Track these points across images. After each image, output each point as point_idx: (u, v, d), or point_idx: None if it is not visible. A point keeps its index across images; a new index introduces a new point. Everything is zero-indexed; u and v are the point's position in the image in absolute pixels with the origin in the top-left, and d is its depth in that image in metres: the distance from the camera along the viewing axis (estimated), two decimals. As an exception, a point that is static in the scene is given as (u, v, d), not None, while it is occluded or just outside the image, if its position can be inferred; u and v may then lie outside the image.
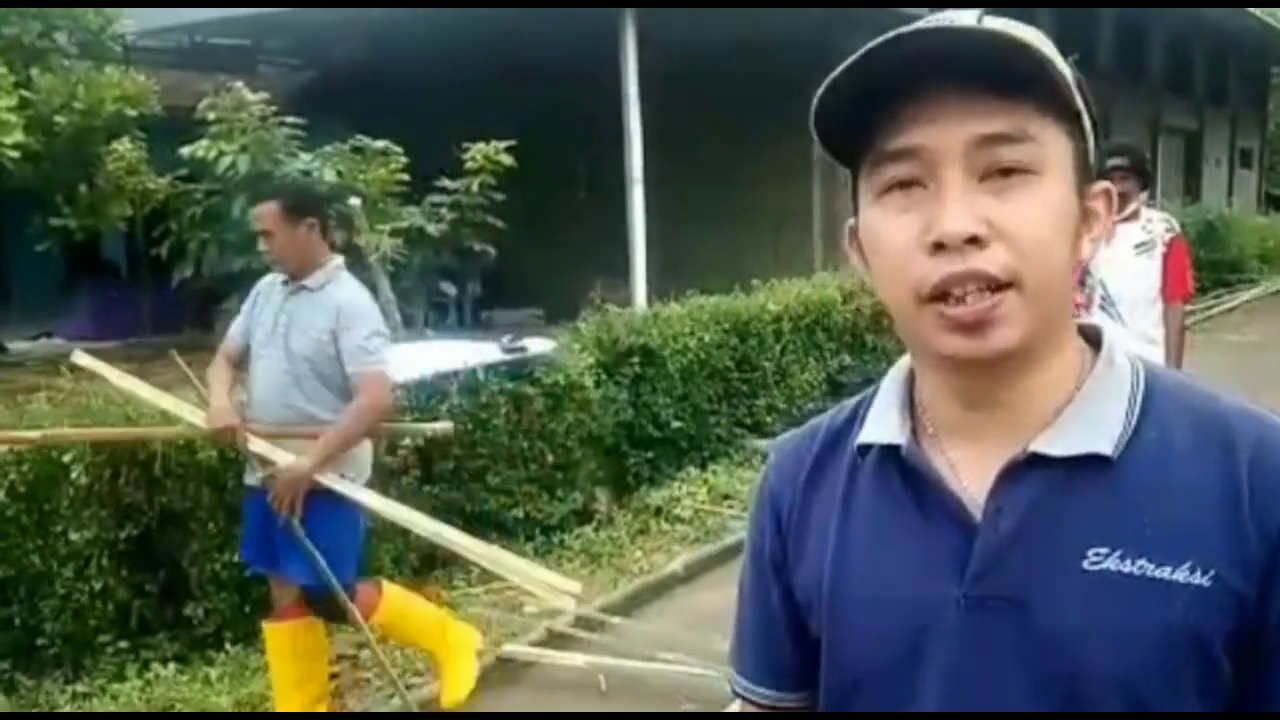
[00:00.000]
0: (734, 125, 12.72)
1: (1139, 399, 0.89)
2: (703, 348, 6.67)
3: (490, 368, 5.27)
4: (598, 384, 5.92)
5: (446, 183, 7.63)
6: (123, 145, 8.32)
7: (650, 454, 6.38)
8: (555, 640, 4.51)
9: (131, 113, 8.76)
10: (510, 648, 4.40)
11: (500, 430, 5.21)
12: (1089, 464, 0.87)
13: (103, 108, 8.61)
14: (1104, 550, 0.85)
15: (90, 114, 8.60)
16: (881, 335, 8.27)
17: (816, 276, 8.61)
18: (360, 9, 10.24)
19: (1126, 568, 0.84)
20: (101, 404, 4.48)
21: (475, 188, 7.45)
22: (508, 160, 7.41)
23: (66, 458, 4.14)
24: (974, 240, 0.82)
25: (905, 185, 0.86)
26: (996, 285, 0.83)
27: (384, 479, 4.79)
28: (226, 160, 7.01)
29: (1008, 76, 0.83)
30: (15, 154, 7.38)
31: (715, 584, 5.21)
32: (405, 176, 7.58)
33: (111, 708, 3.93)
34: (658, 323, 6.59)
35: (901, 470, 0.94)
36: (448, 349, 5.57)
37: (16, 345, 13.04)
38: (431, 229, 7.51)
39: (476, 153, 7.43)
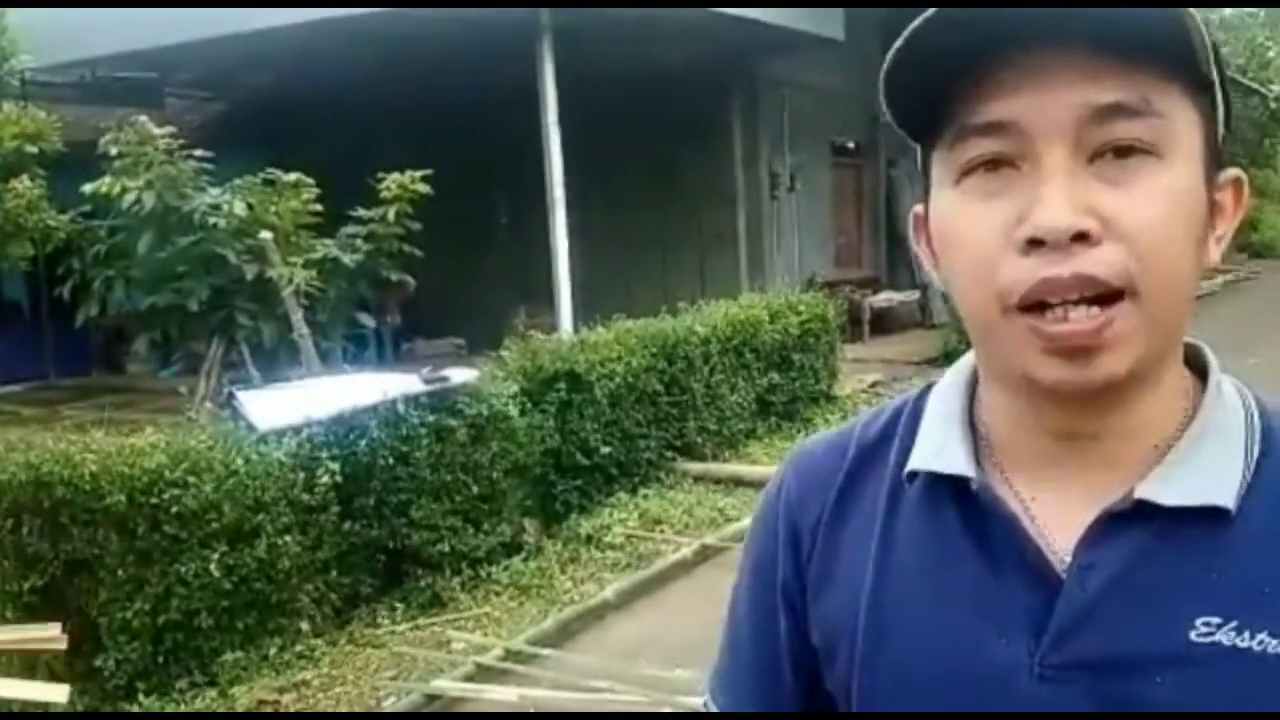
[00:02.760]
0: (657, 152, 12.84)
1: (1256, 439, 0.76)
2: (630, 372, 6.65)
3: (411, 399, 5.17)
4: (523, 412, 5.85)
5: (361, 212, 7.52)
6: (22, 183, 8.04)
7: (579, 481, 6.32)
8: (485, 674, 4.42)
9: (31, 149, 8.47)
10: (439, 683, 4.29)
11: (422, 464, 5.11)
12: (1201, 517, 0.73)
13: (0, 145, 8.32)
14: (1216, 620, 0.72)
15: (-13, 151, 8.30)
16: (808, 354, 8.36)
17: (743, 297, 8.66)
18: (270, 39, 10.07)
19: (1243, 642, 0.71)
20: (2, 449, 4.35)
21: (391, 217, 7.35)
22: (423, 188, 7.32)
23: None
24: (1081, 237, 0.68)
25: (993, 165, 0.71)
26: (1107, 295, 0.68)
27: (301, 516, 4.67)
28: (131, 196, 6.82)
29: (1131, 33, 0.68)
30: (-93, 194, 7.08)
31: (647, 610, 5.18)
32: (318, 208, 7.45)
33: None
34: (584, 348, 6.56)
35: (964, 505, 0.79)
36: (366, 382, 5.46)
37: (-86, 392, 12.55)
38: (347, 260, 7.38)
39: (391, 182, 7.33)
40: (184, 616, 4.32)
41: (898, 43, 0.71)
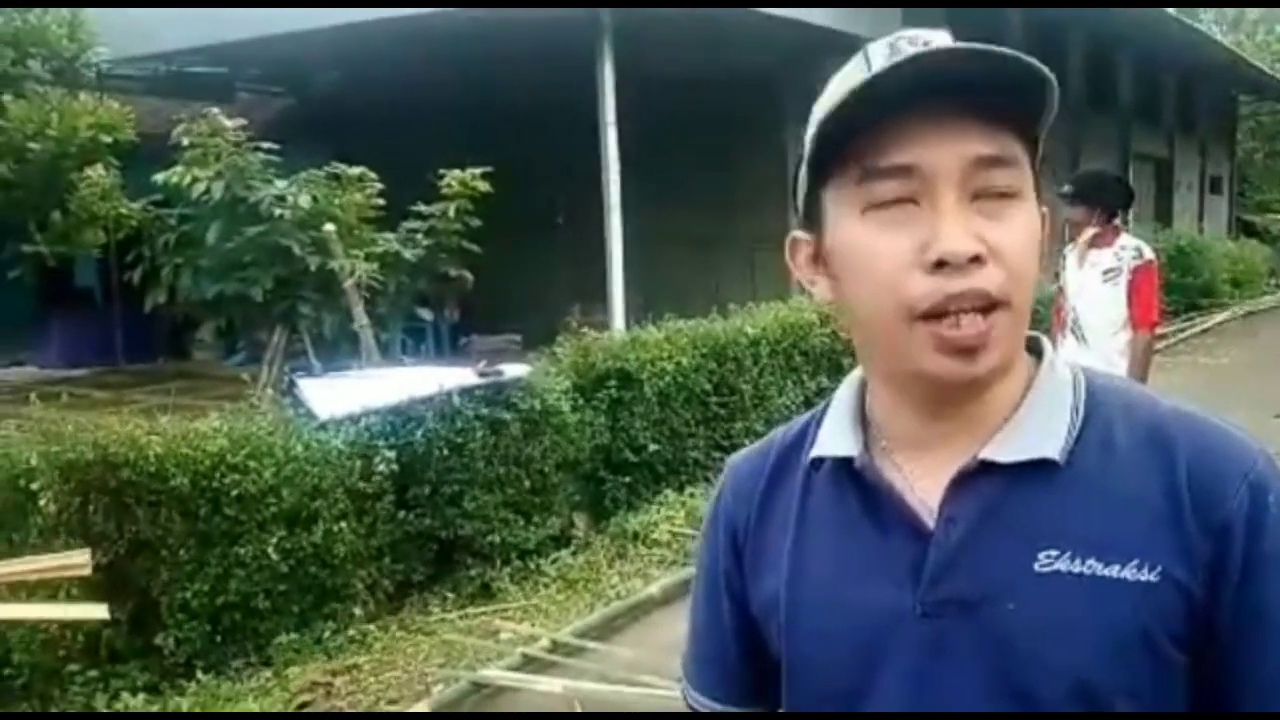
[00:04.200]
0: (710, 153, 12.83)
1: (1081, 404, 0.92)
2: (680, 371, 6.68)
3: (466, 392, 5.25)
4: (575, 408, 5.90)
5: (422, 208, 7.64)
6: (96, 172, 8.28)
7: (627, 478, 6.36)
8: (531, 665, 4.48)
9: (106, 139, 8.72)
10: (486, 672, 4.36)
11: (476, 455, 5.18)
12: (1037, 469, 0.88)
13: (76, 135, 8.58)
14: (1054, 552, 0.86)
15: (64, 141, 8.56)
16: (857, 359, 8.30)
17: (793, 300, 8.65)
18: (338, 37, 10.25)
19: (1077, 568, 0.86)
20: (72, 430, 4.42)
21: (451, 213, 7.45)
22: (484, 186, 7.42)
23: (35, 485, 4.11)
24: (975, 259, 0.83)
25: (897, 203, 0.86)
26: (990, 305, 0.84)
27: (357, 503, 4.77)
28: (201, 186, 6.99)
29: (1015, 99, 0.85)
30: (-12, 182, 7.34)
31: (692, 608, 5.20)
32: (381, 202, 7.58)
33: None
34: (635, 347, 6.59)
35: (855, 483, 0.95)
36: (423, 374, 5.55)
37: (-11, 373, 12.94)
38: (407, 254, 7.50)
39: (452, 179, 7.44)
40: (241, 598, 4.41)
41: (830, 104, 0.86)
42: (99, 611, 3.63)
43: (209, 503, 4.36)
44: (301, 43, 10.63)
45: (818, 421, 1.02)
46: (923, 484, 0.92)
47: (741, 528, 1.03)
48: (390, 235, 7.58)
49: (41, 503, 4.08)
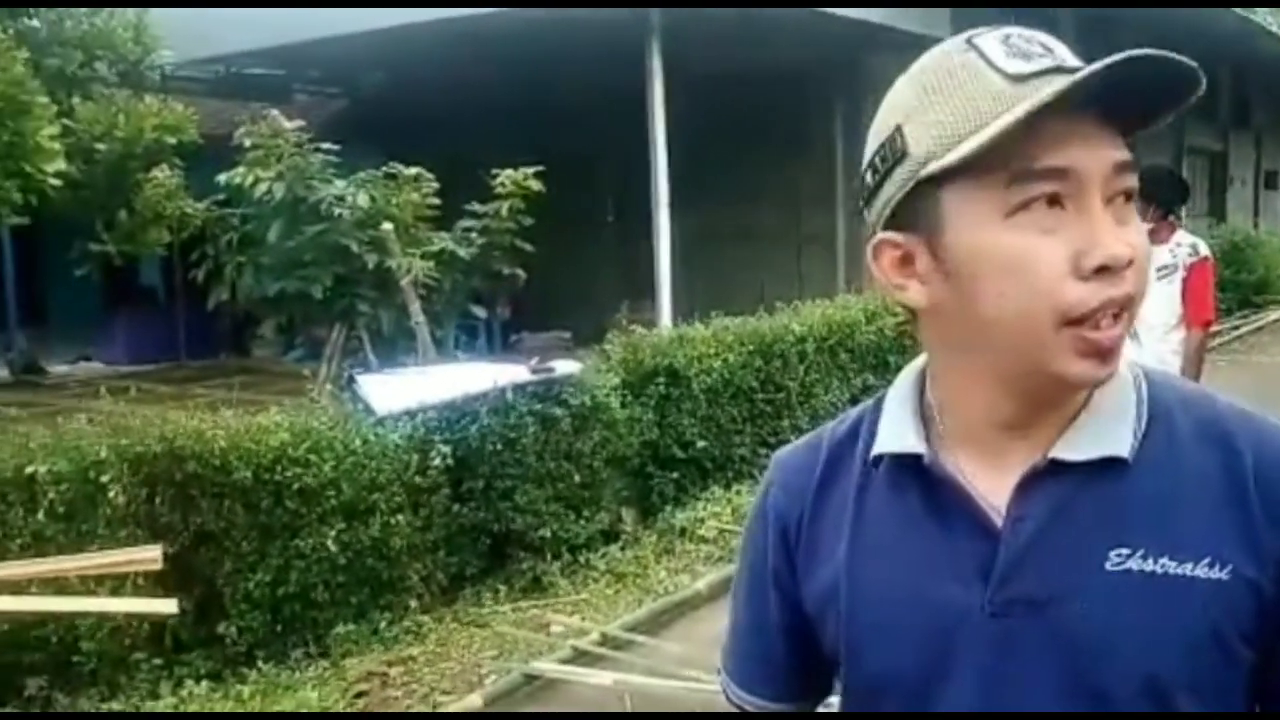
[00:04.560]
0: (759, 152, 12.82)
1: (1146, 402, 0.92)
2: (727, 369, 6.71)
3: (519, 388, 5.32)
4: (624, 404, 5.95)
5: (476, 207, 7.75)
6: (161, 172, 8.50)
7: (675, 474, 6.41)
8: (581, 658, 4.54)
9: (170, 140, 8.94)
10: (538, 665, 4.44)
11: (528, 450, 5.25)
12: (1106, 468, 0.89)
13: (142, 136, 8.79)
14: (1125, 550, 0.87)
15: (130, 142, 8.78)
16: (904, 356, 8.25)
17: (840, 298, 8.64)
18: (391, 38, 10.41)
19: (1148, 566, 0.87)
20: (139, 424, 4.56)
21: (505, 212, 7.56)
22: (536, 185, 7.51)
23: (104, 477, 4.19)
24: (1128, 264, 0.84)
25: (1049, 204, 0.84)
26: (1123, 309, 0.85)
27: (413, 497, 4.88)
28: (263, 186, 7.15)
29: (1159, 106, 0.86)
30: (57, 181, 7.55)
31: (739, 604, 5.25)
32: (436, 201, 7.71)
33: None
34: (683, 344, 6.63)
35: (919, 479, 0.94)
36: (478, 370, 5.65)
37: (56, 368, 13.31)
38: (462, 253, 7.62)
39: (505, 178, 7.54)
40: (301, 589, 4.47)
41: (1030, 106, 0.81)
42: (169, 607, 3.74)
43: (271, 495, 4.44)
44: (356, 45, 10.80)
45: (872, 418, 1.01)
46: (986, 482, 0.92)
47: (793, 524, 1.03)
48: (445, 234, 7.71)
49: (110, 494, 4.17)
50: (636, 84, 10.15)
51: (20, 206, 7.70)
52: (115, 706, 4.08)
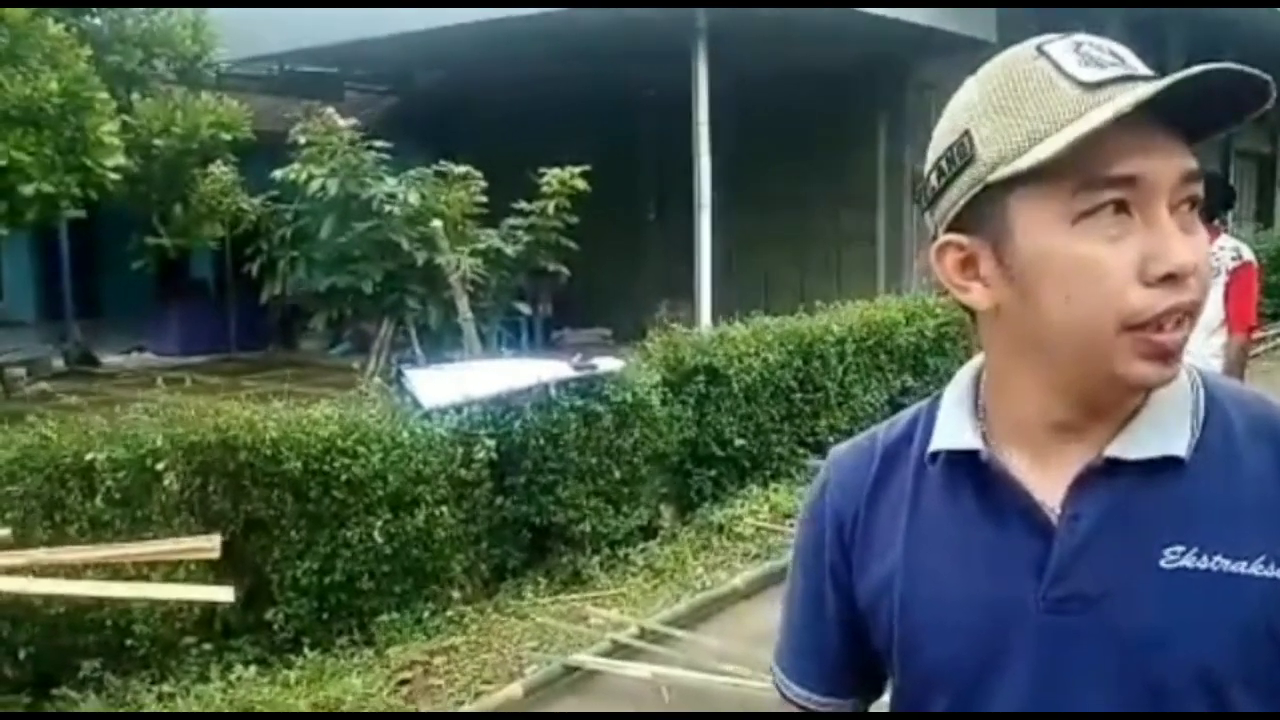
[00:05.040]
0: (800, 152, 12.80)
1: (1201, 403, 0.93)
2: (766, 368, 6.74)
3: (562, 385, 5.37)
4: (664, 402, 5.99)
5: (523, 205, 7.84)
6: (218, 168, 8.68)
7: (713, 472, 6.45)
8: (620, 651, 4.59)
9: (225, 137, 9.13)
10: (578, 656, 4.50)
11: (570, 446, 5.30)
12: (1161, 467, 0.90)
13: (198, 132, 8.98)
14: (1180, 548, 0.88)
15: (187, 138, 8.97)
16: (942, 357, 8.26)
17: (879, 299, 8.62)
18: (440, 38, 10.53)
19: (1203, 564, 0.87)
20: (194, 414, 4.64)
21: (550, 210, 7.64)
22: (582, 184, 7.59)
23: (160, 465, 4.28)
24: (1192, 271, 0.86)
25: (1116, 211, 0.85)
26: (1187, 314, 0.86)
27: (458, 490, 4.96)
28: (316, 183, 7.28)
29: (1227, 118, 0.88)
30: (116, 176, 7.74)
31: (776, 600, 5.23)
32: (484, 199, 7.81)
33: (195, 707, 4.04)
34: (723, 343, 6.66)
35: (975, 476, 0.95)
36: (522, 366, 5.72)
37: (109, 359, 13.59)
38: (509, 250, 7.71)
39: (552, 177, 7.62)
40: (347, 578, 4.53)
41: (1105, 115, 0.82)
42: (225, 595, 3.83)
43: (319, 485, 4.50)
44: (405, 43, 10.93)
45: (928, 416, 1.03)
46: (1040, 479, 0.93)
47: (849, 520, 1.04)
48: (492, 231, 7.81)
49: (165, 482, 4.25)
50: (681, 84, 10.18)
51: (80, 200, 7.90)
52: (165, 689, 4.15)
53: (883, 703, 1.11)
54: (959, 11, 10.75)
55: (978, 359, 1.02)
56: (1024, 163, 0.85)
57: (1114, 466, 0.90)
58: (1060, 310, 0.87)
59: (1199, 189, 0.87)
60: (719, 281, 10.53)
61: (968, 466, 0.96)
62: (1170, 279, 0.84)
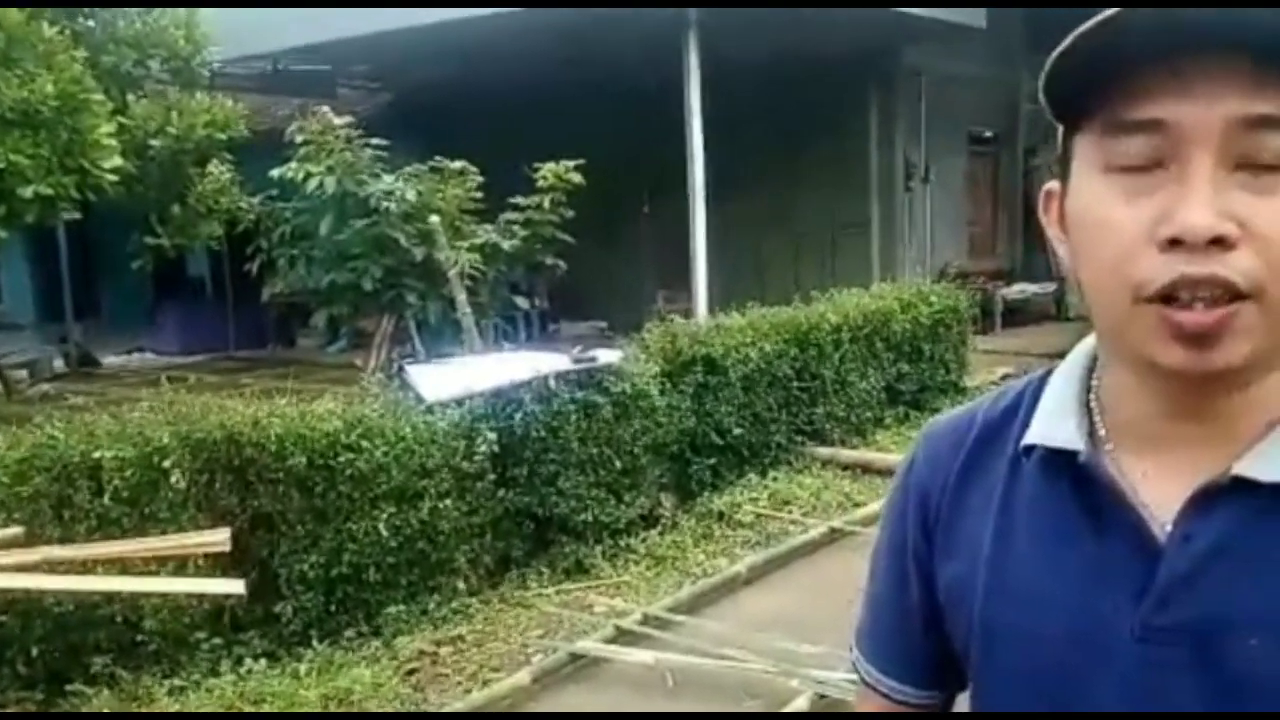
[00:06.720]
0: (792, 140, 12.85)
1: None
2: (764, 357, 6.80)
3: (561, 377, 5.43)
4: (663, 392, 6.04)
5: (519, 200, 7.89)
6: (215, 167, 8.72)
7: (712, 460, 6.52)
8: (624, 637, 4.65)
9: (220, 136, 9.16)
10: (583, 644, 4.56)
11: (571, 437, 5.36)
12: None
13: (194, 132, 9.01)
14: None
15: (183, 138, 9.00)
16: (938, 344, 8.34)
17: (875, 288, 8.69)
18: (432, 34, 10.56)
19: None
20: (198, 413, 4.68)
21: (546, 205, 7.69)
22: (576, 178, 7.63)
23: (166, 463, 4.32)
24: (1218, 241, 0.70)
25: (1143, 167, 0.73)
26: (1234, 295, 0.71)
27: (460, 482, 5.02)
28: (314, 181, 7.32)
29: None
30: (113, 177, 7.77)
31: (776, 586, 5.34)
32: (480, 195, 7.85)
33: (207, 701, 4.08)
34: (720, 333, 6.73)
35: (1074, 477, 0.84)
36: (521, 359, 5.76)
37: (110, 360, 13.63)
38: (506, 245, 7.76)
39: (547, 171, 7.67)
40: (353, 571, 4.57)
41: (1079, 30, 0.72)
42: (236, 588, 3.88)
43: (325, 480, 4.55)
44: (398, 40, 10.95)
45: (1032, 399, 0.90)
46: (1155, 489, 0.81)
47: (935, 498, 0.94)
48: (488, 226, 7.85)
49: (172, 479, 4.29)
50: (672, 75, 10.22)
51: (77, 202, 7.93)
52: (176, 683, 4.19)
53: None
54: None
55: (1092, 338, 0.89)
56: (1041, 95, 0.77)
57: (1242, 485, 0.77)
58: (1084, 272, 0.78)
59: (1270, 141, 0.71)
60: (714, 272, 10.58)
61: (1067, 464, 0.84)
62: (1178, 244, 0.71)
